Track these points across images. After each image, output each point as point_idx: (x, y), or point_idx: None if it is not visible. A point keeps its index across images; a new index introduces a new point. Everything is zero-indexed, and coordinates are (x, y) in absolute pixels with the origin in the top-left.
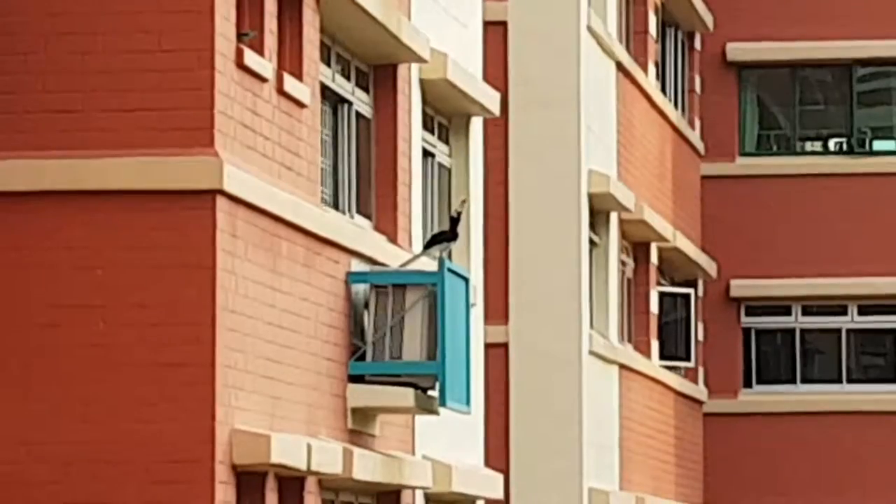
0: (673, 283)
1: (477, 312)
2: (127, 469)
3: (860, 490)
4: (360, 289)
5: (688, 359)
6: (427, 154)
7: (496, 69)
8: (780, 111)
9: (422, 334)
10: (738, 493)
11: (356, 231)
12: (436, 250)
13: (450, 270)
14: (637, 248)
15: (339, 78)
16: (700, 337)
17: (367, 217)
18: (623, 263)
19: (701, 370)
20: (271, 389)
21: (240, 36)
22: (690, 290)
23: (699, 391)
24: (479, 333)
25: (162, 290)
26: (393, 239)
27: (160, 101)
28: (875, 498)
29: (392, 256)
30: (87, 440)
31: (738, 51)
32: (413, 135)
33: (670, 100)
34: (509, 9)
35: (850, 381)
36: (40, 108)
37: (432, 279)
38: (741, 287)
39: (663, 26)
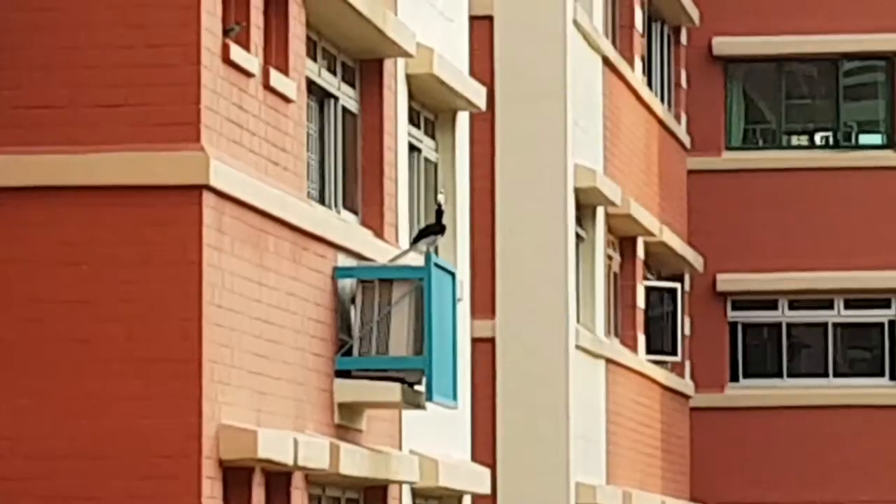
0: (659, 278)
1: (463, 307)
2: (113, 464)
3: (846, 483)
4: (347, 284)
5: (674, 353)
6: (413, 149)
7: (482, 64)
8: (766, 105)
9: (408, 329)
10: (725, 486)
11: (343, 226)
12: (423, 244)
13: (436, 265)
14: (623, 242)
15: (325, 73)
16: (686, 331)
17: (354, 212)
18: (609, 258)
19: (687, 364)
20: (258, 385)
21: (226, 31)
22: (677, 285)
23: (686, 385)
24: (465, 328)
25: (148, 286)
26: (379, 234)
27: (146, 97)
28: (861, 491)
29: (378, 251)
30: (73, 435)
31: (725, 45)
32: (399, 129)
33: (656, 94)
34: (495, 3)
35: (836, 375)
36: (26, 104)
37: (419, 274)
38: (728, 281)
39: (649, 21)
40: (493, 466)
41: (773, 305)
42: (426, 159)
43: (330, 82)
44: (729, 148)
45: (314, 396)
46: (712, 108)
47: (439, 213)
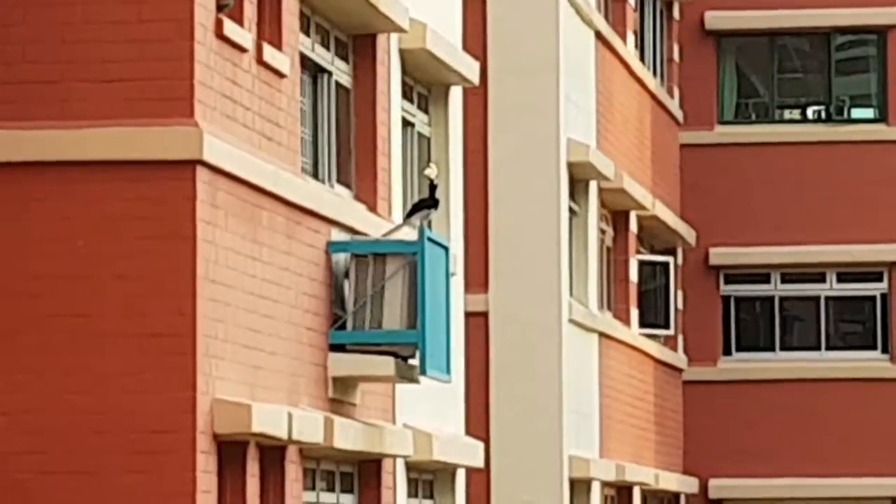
0: (652, 252)
1: (457, 281)
2: (108, 439)
3: (838, 456)
4: (341, 258)
5: (667, 327)
6: (406, 123)
7: (475, 38)
8: (758, 79)
9: (402, 303)
10: (718, 460)
11: (336, 200)
12: (416, 218)
13: (430, 239)
14: (616, 216)
15: (318, 48)
16: (679, 305)
17: (347, 186)
18: (602, 232)
19: (680, 338)
20: (252, 359)
21: (219, 6)
22: (670, 259)
23: (679, 359)
24: (459, 302)
25: (142, 261)
26: (373, 208)
27: (140, 72)
28: (853, 464)
29: (372, 226)
30: (69, 410)
31: (717, 19)
32: (392, 104)
33: (649, 68)
34: None
35: (828, 348)
36: (20, 79)
37: (412, 248)
38: (720, 255)
39: None
40: (486, 440)
41: (765, 279)
42: (419, 134)
43: (323, 57)
44: (721, 122)
45: (308, 371)
46: (705, 83)
47: (432, 187)
